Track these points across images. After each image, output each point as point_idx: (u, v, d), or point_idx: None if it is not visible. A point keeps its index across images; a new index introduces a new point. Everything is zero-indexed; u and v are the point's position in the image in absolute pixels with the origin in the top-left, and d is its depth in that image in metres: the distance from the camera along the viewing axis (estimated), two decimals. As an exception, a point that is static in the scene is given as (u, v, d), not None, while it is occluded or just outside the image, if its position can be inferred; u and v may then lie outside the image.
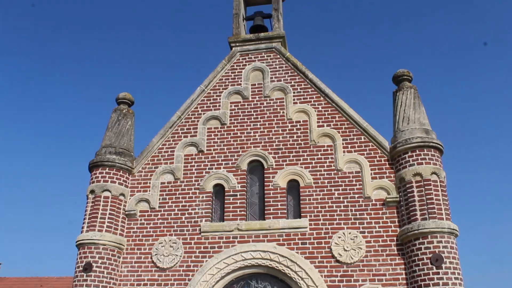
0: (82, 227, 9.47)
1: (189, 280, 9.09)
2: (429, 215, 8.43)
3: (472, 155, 34.35)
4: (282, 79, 10.57)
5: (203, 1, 38.03)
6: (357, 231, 8.93)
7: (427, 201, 8.55)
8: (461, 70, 36.00)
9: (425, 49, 35.96)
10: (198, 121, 10.45)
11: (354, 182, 9.34)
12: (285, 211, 9.37)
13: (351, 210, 9.13)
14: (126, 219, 9.76)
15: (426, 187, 8.67)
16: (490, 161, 33.51)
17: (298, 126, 10.05)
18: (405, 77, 9.85)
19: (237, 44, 11.13)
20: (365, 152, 9.54)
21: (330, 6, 38.23)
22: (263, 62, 10.85)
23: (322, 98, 10.19)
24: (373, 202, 9.11)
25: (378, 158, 9.44)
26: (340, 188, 9.34)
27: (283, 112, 10.23)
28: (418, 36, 36.31)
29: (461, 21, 34.82)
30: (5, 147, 34.87)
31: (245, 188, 9.69)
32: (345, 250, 8.82)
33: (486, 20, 34.21)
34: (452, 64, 36.20)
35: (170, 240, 9.44)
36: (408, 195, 8.77)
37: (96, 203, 9.50)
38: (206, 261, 9.17)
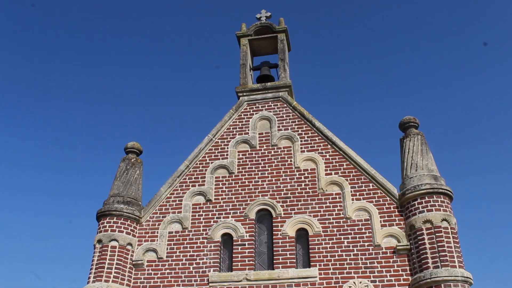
0: (89, 277, 9.35)
1: (196, 332, 8.89)
2: (441, 263, 8.29)
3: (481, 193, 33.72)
4: (289, 127, 10.65)
5: (211, 51, 38.72)
6: (368, 280, 8.77)
7: (439, 249, 8.42)
8: (461, 70, 35.96)
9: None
10: (206, 170, 10.47)
11: (363, 230, 9.24)
12: (294, 260, 9.24)
13: (361, 259, 8.98)
14: (133, 269, 9.63)
15: (437, 234, 8.56)
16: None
17: (306, 175, 10.04)
18: (412, 124, 9.91)
19: (244, 94, 11.29)
20: (373, 200, 9.49)
21: (337, 54, 38.77)
22: (270, 111, 10.97)
23: (329, 146, 10.23)
24: (383, 250, 8.98)
25: (387, 206, 9.37)
26: (350, 236, 9.23)
27: (290, 161, 10.25)
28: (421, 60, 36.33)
29: (461, 21, 34.94)
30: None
31: (253, 237, 9.60)
32: (356, 300, 8.63)
33: (486, 20, 34.35)
34: (451, 64, 36.19)
35: (177, 291, 9.28)
36: (419, 242, 8.66)
37: (103, 252, 9.41)
38: (214, 312, 8.99)
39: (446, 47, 35.52)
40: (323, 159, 10.11)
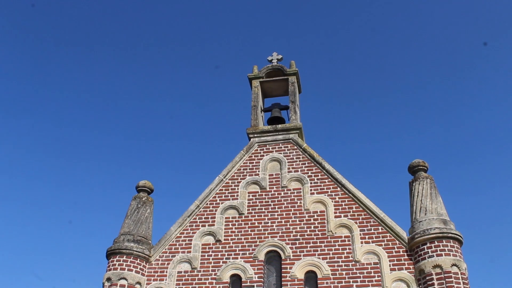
0: (98, 317, 9.36)
1: None
2: (451, 309, 8.22)
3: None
4: (299, 169, 10.75)
5: (222, 93, 39.22)
6: (377, 325, 8.70)
7: (448, 294, 8.37)
8: (460, 70, 35.89)
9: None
10: (216, 210, 10.55)
11: (372, 274, 9.22)
12: (303, 303, 9.20)
13: (370, 303, 8.93)
14: (142, 309, 9.63)
15: (447, 279, 8.52)
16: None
17: (315, 217, 10.08)
18: (421, 167, 9.98)
19: (255, 135, 11.45)
20: (382, 243, 9.49)
21: (347, 96, 39.19)
22: (281, 153, 11.10)
23: (338, 189, 10.30)
24: (393, 294, 8.94)
25: (396, 249, 9.37)
26: (359, 280, 9.20)
27: (300, 203, 10.31)
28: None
29: (461, 21, 35.03)
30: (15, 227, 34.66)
31: (262, 279, 9.59)
32: None
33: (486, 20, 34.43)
34: (451, 64, 36.19)
35: (185, 332, 9.24)
36: (429, 288, 8.62)
37: (112, 291, 9.43)
38: None
39: (447, 49, 35.82)
40: (332, 201, 10.17)
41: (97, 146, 37.64)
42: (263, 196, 10.56)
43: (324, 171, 10.58)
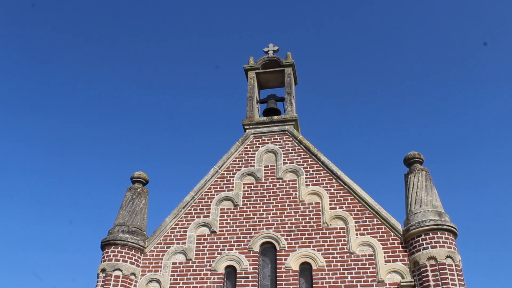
0: (92, 307, 9.34)
1: None
2: (445, 301, 8.24)
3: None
4: (294, 161, 10.73)
5: (218, 84, 39.13)
6: (371, 317, 8.71)
7: (443, 286, 8.38)
8: (460, 70, 36.01)
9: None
10: (211, 201, 10.53)
11: (367, 266, 9.22)
12: (298, 294, 9.20)
13: (365, 294, 8.95)
14: (136, 299, 9.62)
15: (441, 271, 8.54)
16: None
17: (311, 208, 10.07)
18: (416, 159, 9.97)
19: (251, 127, 11.41)
20: (377, 235, 9.49)
21: (343, 88, 39.15)
22: (276, 145, 11.07)
23: (334, 181, 10.29)
24: (387, 286, 8.94)
25: (391, 241, 9.37)
26: (353, 271, 9.21)
27: (295, 194, 10.29)
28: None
29: (461, 21, 35.04)
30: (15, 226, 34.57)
31: (257, 270, 9.58)
32: (359, 336, 8.57)
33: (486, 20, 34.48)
34: (451, 64, 36.27)
35: (179, 323, 9.24)
36: (423, 279, 8.63)
37: (106, 282, 9.40)
38: None
39: (446, 48, 35.84)
40: (327, 193, 10.16)
41: (92, 138, 37.59)
42: (259, 188, 10.54)
43: (319, 162, 10.57)
